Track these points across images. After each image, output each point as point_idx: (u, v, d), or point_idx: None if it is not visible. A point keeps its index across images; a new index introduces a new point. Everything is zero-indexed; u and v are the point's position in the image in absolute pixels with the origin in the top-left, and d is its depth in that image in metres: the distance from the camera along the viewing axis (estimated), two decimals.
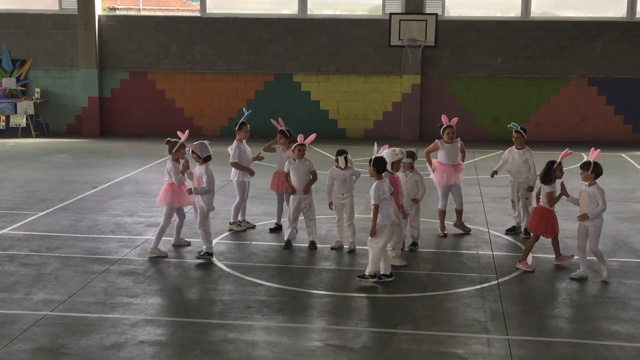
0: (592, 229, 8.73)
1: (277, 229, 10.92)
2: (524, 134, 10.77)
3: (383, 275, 8.65)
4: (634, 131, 21.26)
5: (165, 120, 22.03)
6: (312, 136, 10.32)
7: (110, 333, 7.13)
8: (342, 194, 9.86)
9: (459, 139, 11.01)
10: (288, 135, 10.76)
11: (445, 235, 10.77)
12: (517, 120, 20.64)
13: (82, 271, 8.98)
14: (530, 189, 10.56)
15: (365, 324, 7.52)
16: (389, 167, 8.97)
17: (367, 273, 8.60)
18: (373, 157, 8.76)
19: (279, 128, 10.81)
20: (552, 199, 9.01)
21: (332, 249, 10.00)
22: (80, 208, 12.32)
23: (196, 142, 9.53)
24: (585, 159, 9.22)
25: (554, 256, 9.43)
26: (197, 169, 9.42)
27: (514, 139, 10.80)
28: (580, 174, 8.84)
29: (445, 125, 10.94)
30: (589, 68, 21.09)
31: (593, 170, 8.68)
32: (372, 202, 8.50)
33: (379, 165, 8.68)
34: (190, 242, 10.03)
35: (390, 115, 21.61)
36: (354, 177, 9.88)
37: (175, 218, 9.91)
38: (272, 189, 10.95)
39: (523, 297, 8.34)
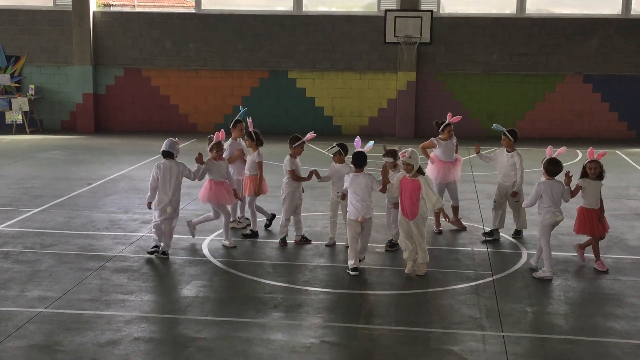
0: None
1: (268, 225, 10.92)
2: (510, 137, 10.35)
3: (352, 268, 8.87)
4: (629, 128, 21.30)
5: (160, 116, 22.01)
6: (311, 134, 10.25)
7: (105, 330, 7.11)
8: (338, 192, 9.85)
9: (452, 134, 11.00)
10: (254, 137, 10.55)
11: (440, 232, 10.77)
12: (513, 117, 20.83)
13: (77, 268, 8.96)
14: (514, 194, 10.27)
15: (360, 320, 7.51)
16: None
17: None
18: (355, 151, 9.02)
19: (249, 129, 10.67)
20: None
21: (327, 245, 9.99)
22: (75, 205, 12.29)
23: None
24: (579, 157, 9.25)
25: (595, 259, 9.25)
26: None
27: (502, 142, 10.54)
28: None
29: (446, 122, 10.86)
30: (584, 65, 21.12)
31: (544, 167, 8.91)
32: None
33: (358, 159, 8.92)
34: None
35: (386, 112, 21.62)
36: None
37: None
38: (245, 193, 10.68)
39: (518, 293, 8.34)
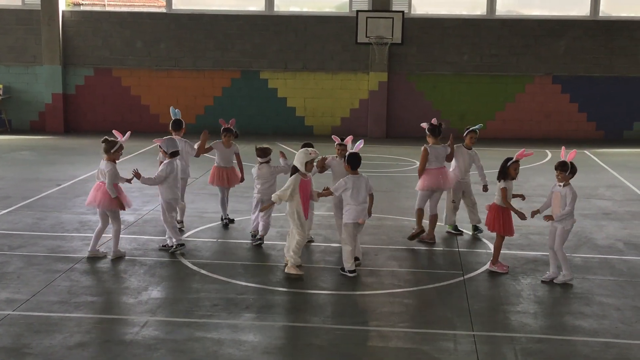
0: (560, 230, 8.62)
1: (227, 224, 10.96)
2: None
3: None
4: (597, 128, 21.56)
5: (132, 117, 21.83)
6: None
7: (75, 332, 7.04)
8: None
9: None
10: (234, 133, 10.92)
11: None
12: (484, 118, 20.99)
13: (46, 270, 8.85)
14: (486, 189, 10.66)
15: (332, 321, 7.51)
16: (302, 167, 8.69)
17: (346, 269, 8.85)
18: (347, 153, 8.98)
19: (224, 126, 10.86)
20: (504, 197, 8.82)
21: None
22: (44, 206, 12.15)
23: (164, 138, 9.74)
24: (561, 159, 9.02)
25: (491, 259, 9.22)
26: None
27: (470, 139, 10.57)
28: (557, 175, 8.63)
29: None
30: (553, 66, 21.34)
31: (571, 172, 8.57)
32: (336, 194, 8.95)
33: (356, 161, 8.86)
34: (105, 253, 9.48)
35: (358, 112, 21.66)
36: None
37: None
38: (214, 183, 10.96)
39: (488, 293, 8.40)
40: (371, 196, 8.97)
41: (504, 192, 8.83)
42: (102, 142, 9.42)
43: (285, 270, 8.82)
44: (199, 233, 10.66)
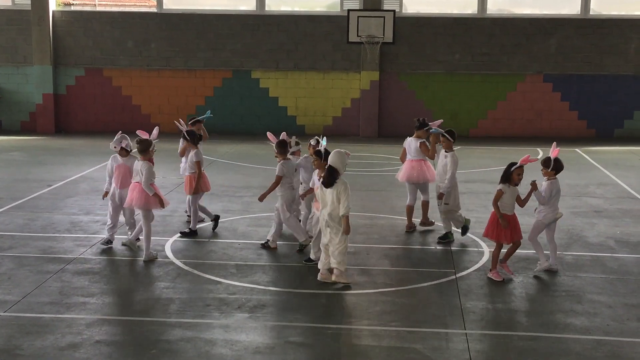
0: (536, 222, 9.03)
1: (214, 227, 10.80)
2: (449, 137, 10.15)
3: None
4: (588, 126, 21.63)
5: (122, 117, 21.80)
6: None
7: (66, 333, 7.02)
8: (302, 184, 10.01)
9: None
10: (188, 137, 10.59)
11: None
12: (475, 117, 21.08)
13: (37, 271, 8.82)
14: (441, 196, 10.10)
15: (324, 320, 7.51)
16: (343, 170, 8.30)
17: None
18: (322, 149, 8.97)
19: (183, 130, 10.74)
20: (496, 198, 8.72)
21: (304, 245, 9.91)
22: (35, 207, 12.11)
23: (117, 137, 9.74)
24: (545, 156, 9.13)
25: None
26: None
27: (442, 143, 10.25)
28: (541, 170, 8.94)
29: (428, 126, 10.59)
30: (544, 65, 21.41)
31: (554, 167, 8.84)
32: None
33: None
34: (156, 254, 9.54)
35: (349, 111, 21.67)
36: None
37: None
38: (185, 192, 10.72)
39: (480, 291, 8.41)
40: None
41: (499, 193, 8.69)
42: (137, 142, 9.42)
43: (334, 279, 8.42)
44: (190, 233, 10.62)
